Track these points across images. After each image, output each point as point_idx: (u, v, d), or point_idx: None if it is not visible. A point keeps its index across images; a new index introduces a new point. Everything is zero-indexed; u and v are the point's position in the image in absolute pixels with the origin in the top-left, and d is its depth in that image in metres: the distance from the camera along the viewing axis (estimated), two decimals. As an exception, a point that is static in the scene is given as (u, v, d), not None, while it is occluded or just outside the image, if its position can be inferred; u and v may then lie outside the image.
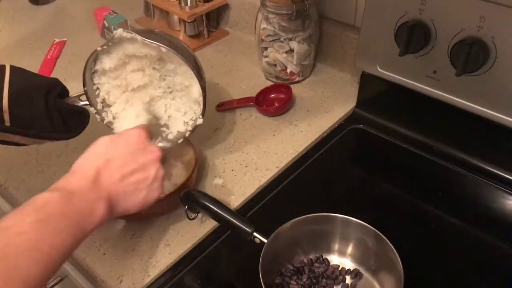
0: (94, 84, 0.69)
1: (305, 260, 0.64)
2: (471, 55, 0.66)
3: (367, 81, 0.86)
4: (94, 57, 0.67)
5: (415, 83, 0.76)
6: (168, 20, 1.14)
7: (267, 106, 0.90)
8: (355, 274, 0.63)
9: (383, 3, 0.74)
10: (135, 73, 0.70)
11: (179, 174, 0.75)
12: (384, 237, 0.59)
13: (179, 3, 1.06)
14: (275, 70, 0.96)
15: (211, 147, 0.83)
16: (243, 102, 0.91)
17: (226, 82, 0.99)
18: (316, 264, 0.64)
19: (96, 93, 0.70)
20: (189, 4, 1.05)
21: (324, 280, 0.62)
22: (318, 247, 0.65)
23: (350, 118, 0.89)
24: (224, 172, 0.79)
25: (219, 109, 0.91)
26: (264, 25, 0.91)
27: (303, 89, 0.96)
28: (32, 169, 0.81)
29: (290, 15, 0.88)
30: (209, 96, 0.93)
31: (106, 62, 0.68)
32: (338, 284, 0.62)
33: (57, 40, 1.13)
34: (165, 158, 0.63)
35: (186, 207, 0.65)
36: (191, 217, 0.66)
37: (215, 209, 0.63)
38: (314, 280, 0.62)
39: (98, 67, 0.68)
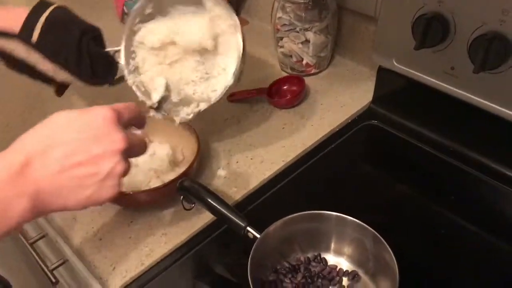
0: (132, 46, 0.70)
1: (302, 258, 0.62)
2: (490, 51, 0.62)
3: (383, 76, 0.82)
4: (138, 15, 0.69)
5: (432, 79, 0.72)
6: (188, 7, 1.13)
7: (279, 98, 0.88)
8: (353, 276, 0.60)
9: (402, -6, 0.70)
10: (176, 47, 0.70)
11: (181, 163, 0.74)
12: (382, 239, 0.56)
13: (198, -10, 1.04)
14: (291, 61, 0.93)
15: (218, 138, 0.82)
16: (255, 93, 0.89)
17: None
18: (313, 263, 0.62)
19: (132, 56, 0.71)
20: (208, -9, 1.04)
21: (320, 280, 0.60)
22: (316, 245, 0.63)
23: (365, 114, 0.85)
24: (228, 163, 0.77)
25: (230, 99, 0.89)
26: (280, 14, 0.89)
27: (319, 82, 0.93)
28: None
29: (306, 4, 0.85)
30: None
31: (152, 34, 0.69)
32: (334, 285, 0.60)
33: (77, 24, 1.13)
34: (140, 148, 0.52)
35: (182, 197, 0.64)
36: (186, 208, 0.65)
37: (210, 201, 0.61)
38: (309, 280, 0.60)
39: (142, 33, 0.69)
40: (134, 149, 0.50)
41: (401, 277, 0.53)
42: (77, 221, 0.70)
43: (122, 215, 0.70)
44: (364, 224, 0.58)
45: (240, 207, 0.70)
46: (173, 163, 0.74)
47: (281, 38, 0.92)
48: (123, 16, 1.11)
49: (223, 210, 0.61)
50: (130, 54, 0.71)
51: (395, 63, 0.76)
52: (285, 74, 0.95)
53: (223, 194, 0.72)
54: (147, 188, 0.69)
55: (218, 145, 0.80)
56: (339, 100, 0.88)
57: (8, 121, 0.88)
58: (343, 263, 0.62)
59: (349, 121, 0.84)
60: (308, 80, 0.90)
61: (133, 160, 0.72)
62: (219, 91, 0.69)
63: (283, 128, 0.83)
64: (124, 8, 1.09)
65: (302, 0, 0.84)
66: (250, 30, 1.11)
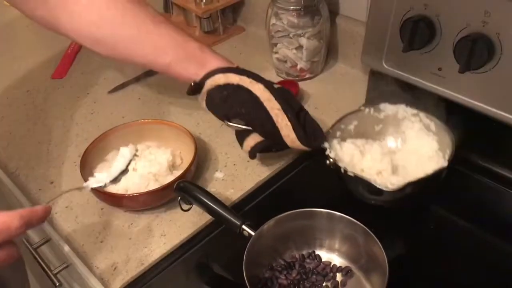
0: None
1: (297, 256, 0.64)
2: (475, 51, 0.64)
3: (375, 78, 0.85)
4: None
5: (420, 80, 0.74)
6: (185, 16, 1.16)
7: (274, 102, 0.90)
8: (346, 272, 0.62)
9: (388, -2, 0.72)
10: None
11: (179, 167, 0.76)
12: (372, 233, 0.58)
13: (195, -1, 1.07)
14: (286, 66, 0.96)
15: (215, 141, 0.84)
16: (251, 98, 0.91)
17: (237, 78, 0.99)
18: (308, 260, 0.64)
19: None
20: (204, 1, 1.07)
21: (314, 276, 0.62)
22: (310, 242, 0.65)
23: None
24: (225, 166, 0.79)
25: (227, 104, 0.91)
26: (273, 20, 0.91)
27: (313, 86, 0.95)
28: (42, 158, 0.84)
29: (299, 11, 0.87)
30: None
31: None
32: (328, 281, 0.62)
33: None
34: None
35: (179, 198, 0.66)
36: (184, 209, 0.67)
37: (206, 201, 0.63)
38: (304, 276, 0.62)
39: None
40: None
41: (392, 271, 0.55)
42: (79, 224, 0.72)
43: (122, 217, 0.72)
44: (354, 220, 0.60)
45: (237, 208, 0.72)
46: (172, 167, 0.76)
47: (276, 44, 0.94)
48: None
49: (219, 209, 0.63)
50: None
51: (384, 65, 0.78)
52: (281, 79, 0.97)
53: (221, 195, 0.74)
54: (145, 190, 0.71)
55: (216, 148, 0.83)
56: (333, 104, 0.90)
57: (11, 130, 0.91)
58: (336, 259, 0.64)
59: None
60: (302, 85, 0.92)
61: (132, 164, 0.75)
62: None
63: (279, 131, 0.85)
64: None
65: (294, 7, 0.87)
66: (246, 37, 1.13)
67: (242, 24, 1.16)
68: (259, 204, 0.73)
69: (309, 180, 0.78)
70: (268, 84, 0.71)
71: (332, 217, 0.62)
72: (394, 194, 0.64)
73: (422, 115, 0.74)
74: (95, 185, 0.70)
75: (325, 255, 0.64)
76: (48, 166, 0.82)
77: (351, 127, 0.75)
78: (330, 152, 0.69)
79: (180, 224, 0.70)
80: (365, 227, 0.59)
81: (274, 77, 0.98)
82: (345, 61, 0.98)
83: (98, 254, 0.68)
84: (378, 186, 0.63)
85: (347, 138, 0.74)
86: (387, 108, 0.76)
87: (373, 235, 0.58)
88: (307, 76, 0.96)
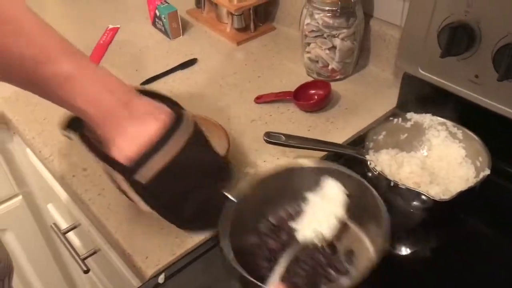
0: None
1: (285, 216, 0.62)
2: (515, 60, 0.64)
3: (408, 82, 0.85)
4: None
5: (456, 87, 0.75)
6: (217, 12, 1.17)
7: (305, 101, 0.90)
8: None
9: (428, 3, 0.72)
10: None
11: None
12: (366, 183, 0.58)
13: (228, -5, 1.08)
14: (317, 66, 0.96)
15: (246, 137, 0.85)
16: (282, 96, 0.92)
17: (268, 76, 1.00)
18: (296, 219, 0.61)
19: None
20: (238, -3, 1.07)
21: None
22: (298, 200, 0.62)
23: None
24: (256, 162, 0.80)
25: (257, 101, 0.92)
26: (308, 20, 0.92)
27: (344, 87, 0.95)
28: (74, 148, 0.85)
29: (334, 11, 0.88)
30: (249, 88, 0.96)
31: None
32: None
33: (110, 26, 1.18)
34: None
35: None
36: None
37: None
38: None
39: None
40: None
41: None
42: (111, 211, 0.73)
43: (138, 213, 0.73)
44: (348, 171, 0.60)
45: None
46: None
47: (308, 44, 0.95)
48: (155, 19, 1.15)
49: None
50: None
51: (420, 70, 0.78)
52: (311, 79, 0.97)
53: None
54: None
55: (246, 144, 0.83)
56: (364, 105, 0.91)
57: (45, 116, 0.92)
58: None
59: (373, 125, 0.87)
60: (333, 85, 0.93)
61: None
62: None
63: (309, 130, 0.86)
64: (156, 11, 1.13)
65: (330, 8, 0.87)
66: (277, 35, 1.14)
67: (273, 22, 1.17)
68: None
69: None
70: None
71: (322, 171, 0.59)
72: (441, 205, 0.64)
73: (449, 123, 0.75)
74: None
75: None
76: (80, 152, 0.83)
77: (381, 137, 0.75)
78: (370, 163, 0.70)
79: (211, 217, 0.71)
80: (359, 177, 0.58)
81: (304, 76, 0.99)
82: (376, 63, 0.98)
83: (130, 242, 0.69)
84: (432, 198, 0.64)
85: (378, 148, 0.74)
86: (414, 117, 0.77)
87: (368, 184, 0.58)
88: (338, 77, 0.96)
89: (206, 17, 1.20)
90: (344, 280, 0.56)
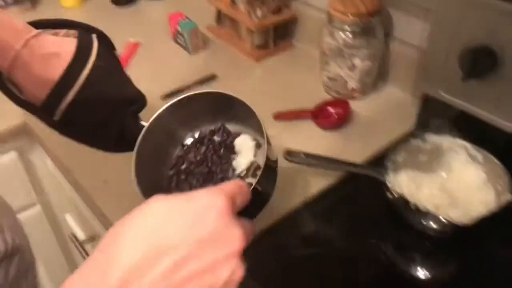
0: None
1: (206, 131, 0.67)
2: (538, 84, 0.64)
3: (427, 103, 0.85)
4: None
5: (477, 110, 0.75)
6: (236, 29, 1.18)
7: (324, 119, 0.91)
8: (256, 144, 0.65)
9: (450, 25, 0.73)
10: None
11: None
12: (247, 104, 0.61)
13: (249, 13, 1.09)
14: (336, 84, 0.97)
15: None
16: (300, 114, 0.92)
17: (286, 93, 1.01)
18: (217, 135, 0.66)
19: None
20: (258, 15, 1.09)
21: (222, 149, 0.65)
22: (220, 118, 0.66)
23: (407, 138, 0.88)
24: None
25: (276, 118, 0.93)
26: (328, 39, 0.93)
27: (363, 106, 0.96)
28: (96, 156, 0.86)
29: (355, 31, 0.88)
30: (267, 106, 0.97)
31: None
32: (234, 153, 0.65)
33: (132, 40, 1.20)
34: (251, 235, 0.42)
35: None
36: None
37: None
38: (213, 151, 0.65)
39: None
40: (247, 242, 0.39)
41: None
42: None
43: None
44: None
45: (285, 223, 0.74)
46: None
47: (328, 63, 0.95)
48: (176, 34, 1.17)
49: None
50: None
51: (441, 92, 0.79)
52: (329, 97, 0.98)
53: (267, 209, 0.75)
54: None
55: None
56: (382, 125, 0.91)
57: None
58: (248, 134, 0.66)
59: (391, 145, 0.87)
60: (352, 104, 0.93)
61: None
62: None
63: (327, 149, 0.86)
64: (178, 27, 1.14)
65: (351, 28, 0.88)
66: (295, 53, 1.15)
67: (292, 40, 1.18)
68: (306, 221, 0.74)
69: (358, 200, 0.78)
70: None
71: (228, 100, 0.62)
72: (462, 228, 0.65)
73: (469, 146, 0.75)
74: None
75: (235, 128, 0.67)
76: (102, 164, 0.85)
77: (400, 158, 0.75)
78: (391, 185, 0.70)
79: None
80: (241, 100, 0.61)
81: (323, 94, 1.00)
82: (395, 83, 0.99)
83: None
84: (453, 221, 0.64)
85: (397, 169, 0.74)
86: (433, 139, 0.77)
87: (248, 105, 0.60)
88: (357, 96, 0.97)
89: (226, 33, 1.21)
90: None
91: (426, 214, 0.67)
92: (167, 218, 0.35)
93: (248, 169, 0.63)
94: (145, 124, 0.60)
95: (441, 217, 0.66)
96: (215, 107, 0.64)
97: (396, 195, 0.70)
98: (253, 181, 0.59)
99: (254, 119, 0.59)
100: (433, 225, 0.68)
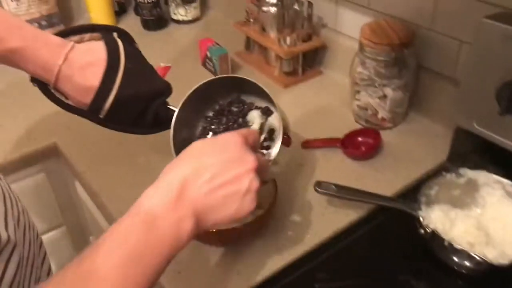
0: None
1: (225, 103, 0.77)
2: None
3: (461, 136, 0.83)
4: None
5: (514, 145, 0.72)
6: (265, 55, 1.19)
7: (353, 149, 0.90)
8: (266, 110, 0.75)
9: (488, 58, 0.71)
10: None
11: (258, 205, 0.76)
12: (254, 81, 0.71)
13: (278, 41, 1.10)
14: (366, 114, 0.96)
15: (292, 183, 0.84)
16: (329, 143, 0.91)
17: (315, 121, 1.00)
18: (234, 106, 0.76)
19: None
20: (288, 43, 1.09)
21: (240, 119, 0.75)
22: (233, 91, 0.77)
23: (439, 172, 0.86)
24: (302, 209, 0.79)
25: (304, 146, 0.92)
26: (359, 68, 0.92)
27: (393, 136, 0.94)
28: (124, 180, 0.86)
29: (387, 62, 0.87)
30: (295, 133, 0.96)
31: None
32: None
33: (162, 65, 1.21)
34: (265, 168, 0.58)
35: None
36: None
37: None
38: (232, 121, 0.75)
39: None
40: (261, 169, 0.55)
41: None
42: (156, 252, 0.73)
43: (199, 252, 0.73)
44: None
45: (313, 255, 0.72)
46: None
47: (358, 92, 0.94)
48: (205, 60, 1.18)
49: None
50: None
51: (475, 125, 0.76)
52: (359, 126, 0.97)
53: (296, 240, 0.73)
54: (224, 228, 0.71)
55: (291, 189, 0.83)
56: (413, 156, 0.89)
57: (96, 149, 0.94)
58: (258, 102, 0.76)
59: (423, 177, 0.85)
60: (382, 134, 0.92)
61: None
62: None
63: (357, 179, 0.84)
64: (208, 52, 1.15)
65: (383, 57, 0.87)
66: (324, 80, 1.15)
67: (321, 67, 1.18)
68: (335, 253, 0.72)
69: (388, 233, 0.76)
70: None
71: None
72: (499, 269, 0.62)
73: (506, 182, 0.72)
74: None
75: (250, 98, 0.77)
76: (129, 188, 0.85)
77: (433, 192, 0.74)
78: (423, 220, 0.68)
79: (257, 264, 0.70)
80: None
81: (352, 123, 0.98)
82: (427, 114, 0.97)
83: (175, 286, 0.68)
84: (490, 261, 0.62)
85: (430, 204, 0.72)
86: (468, 174, 0.75)
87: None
88: (387, 125, 0.95)
89: (254, 59, 1.22)
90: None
91: (460, 252, 0.65)
92: (203, 149, 0.54)
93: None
94: (175, 108, 0.72)
95: (476, 256, 0.64)
96: (229, 86, 0.75)
97: (428, 231, 0.68)
98: (270, 143, 0.75)
99: (264, 93, 0.71)
100: (467, 263, 0.66)
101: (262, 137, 0.74)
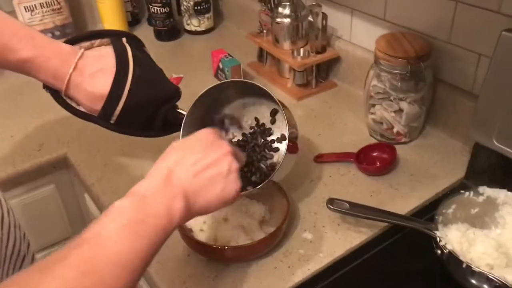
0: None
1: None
2: None
3: (479, 152, 0.80)
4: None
5: (536, 163, 0.70)
6: (278, 67, 1.17)
7: (368, 164, 0.87)
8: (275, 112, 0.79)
9: (508, 72, 0.69)
10: None
11: (267, 222, 0.75)
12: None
13: (292, 52, 1.08)
14: (381, 128, 0.93)
15: (304, 199, 0.82)
16: (343, 157, 0.89)
17: (328, 134, 0.98)
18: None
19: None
20: (301, 54, 1.07)
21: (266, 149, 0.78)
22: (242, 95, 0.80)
23: (457, 189, 0.83)
24: (314, 226, 0.77)
25: (317, 160, 0.90)
26: (375, 82, 0.90)
27: (409, 151, 0.92)
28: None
29: (403, 75, 0.85)
30: (308, 146, 0.94)
31: None
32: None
33: (174, 75, 1.20)
34: (240, 155, 0.64)
35: None
36: None
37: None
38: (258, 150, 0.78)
39: None
40: (237, 154, 0.61)
41: None
42: (165, 268, 0.72)
43: (207, 267, 0.71)
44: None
45: (325, 274, 0.70)
46: (261, 221, 0.75)
47: (373, 105, 0.92)
48: (217, 71, 1.16)
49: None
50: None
51: (494, 141, 0.74)
52: (373, 140, 0.94)
53: (309, 258, 0.71)
54: (235, 244, 0.70)
55: (304, 205, 0.81)
56: (430, 172, 0.86)
57: (105, 162, 0.94)
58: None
59: (440, 195, 0.82)
60: (398, 148, 0.89)
61: (223, 214, 0.75)
62: None
63: (371, 196, 0.82)
64: (220, 64, 1.14)
65: (399, 71, 0.85)
66: (338, 92, 1.13)
67: (335, 79, 1.16)
68: (348, 273, 0.70)
69: (403, 253, 0.74)
70: None
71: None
72: None
73: None
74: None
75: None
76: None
77: (451, 211, 0.71)
78: (440, 240, 0.66)
79: (266, 283, 0.68)
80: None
81: (366, 137, 0.96)
82: (444, 129, 0.94)
83: (182, 304, 0.67)
84: (510, 285, 0.60)
85: (447, 223, 0.70)
86: (487, 192, 0.72)
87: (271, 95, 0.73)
88: (403, 140, 0.93)
89: (267, 71, 1.21)
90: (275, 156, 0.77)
91: (479, 274, 0.62)
92: (183, 143, 0.60)
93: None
94: (184, 112, 0.74)
95: (495, 278, 0.61)
96: (237, 90, 0.78)
97: (445, 252, 0.65)
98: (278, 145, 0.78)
99: (267, 95, 0.73)
100: (485, 286, 0.63)
101: (270, 139, 0.78)
